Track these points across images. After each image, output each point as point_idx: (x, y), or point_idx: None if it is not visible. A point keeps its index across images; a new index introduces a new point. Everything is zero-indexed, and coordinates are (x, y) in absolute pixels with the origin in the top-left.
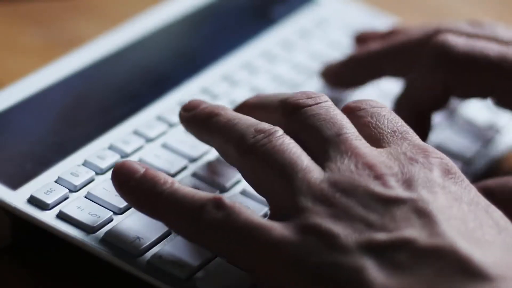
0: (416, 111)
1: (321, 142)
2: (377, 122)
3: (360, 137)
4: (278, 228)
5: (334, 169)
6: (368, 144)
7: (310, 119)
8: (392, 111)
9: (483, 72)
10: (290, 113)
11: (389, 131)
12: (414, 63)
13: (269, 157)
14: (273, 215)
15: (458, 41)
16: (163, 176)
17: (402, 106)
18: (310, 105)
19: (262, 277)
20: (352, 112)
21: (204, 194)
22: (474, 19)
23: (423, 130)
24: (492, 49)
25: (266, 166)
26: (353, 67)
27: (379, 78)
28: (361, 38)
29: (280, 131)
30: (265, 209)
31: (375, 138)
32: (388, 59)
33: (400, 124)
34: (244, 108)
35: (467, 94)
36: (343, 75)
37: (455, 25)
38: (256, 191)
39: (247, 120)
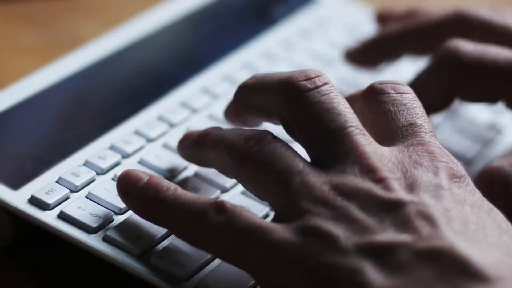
0: None
1: (324, 135)
2: (396, 113)
3: (363, 130)
4: (279, 230)
5: (336, 170)
6: (372, 140)
7: (313, 108)
8: (415, 98)
9: (491, 79)
10: (291, 99)
11: (405, 124)
12: (433, 44)
13: (263, 163)
14: (275, 217)
15: (468, 47)
16: (166, 183)
17: None
18: (311, 89)
19: (263, 278)
20: (375, 94)
21: (206, 199)
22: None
23: None
24: (503, 55)
25: (262, 173)
26: (375, 48)
27: (399, 58)
28: (382, 18)
29: (269, 135)
30: (266, 209)
31: (388, 130)
32: (408, 39)
33: (419, 116)
34: (243, 91)
35: (474, 99)
36: (365, 56)
37: (475, 11)
38: (257, 197)
39: (237, 130)
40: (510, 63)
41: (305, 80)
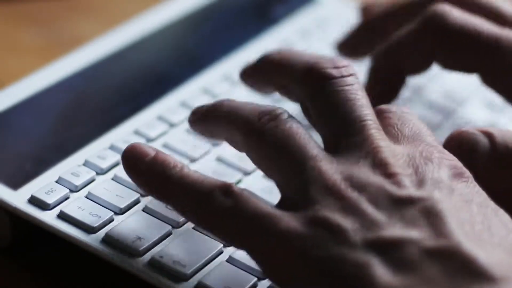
0: (395, 69)
1: (342, 123)
2: (402, 125)
3: (379, 126)
4: (286, 218)
5: (349, 160)
6: (385, 136)
7: (334, 96)
8: (419, 120)
9: (471, 50)
10: (314, 83)
11: (411, 134)
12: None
13: (277, 142)
14: (282, 201)
15: (454, 13)
16: (173, 160)
17: (381, 61)
18: (336, 77)
19: (268, 266)
20: (381, 113)
21: (213, 180)
22: None
23: (394, 90)
24: (487, 28)
25: (275, 152)
26: (363, 36)
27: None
28: (366, 11)
29: (285, 114)
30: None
31: (396, 138)
32: (394, 20)
33: (423, 131)
34: (266, 63)
35: (451, 66)
36: (356, 44)
37: None
38: (266, 175)
39: (250, 105)
40: (492, 37)
41: (332, 68)
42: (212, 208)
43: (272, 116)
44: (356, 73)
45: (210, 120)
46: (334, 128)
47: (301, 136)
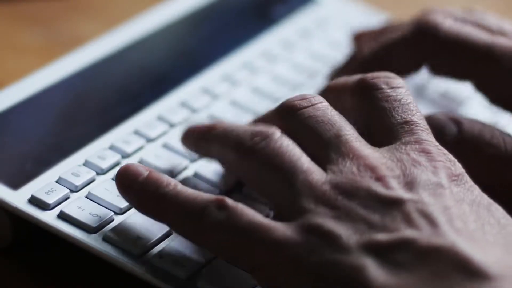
0: (382, 69)
1: (321, 144)
2: (391, 110)
3: (359, 138)
4: (280, 228)
5: (336, 171)
6: (368, 145)
7: (307, 121)
8: (408, 93)
9: (463, 59)
10: (286, 116)
11: (401, 121)
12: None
13: (269, 160)
14: (276, 217)
15: (445, 22)
16: (166, 179)
17: (370, 60)
18: (306, 107)
19: (263, 277)
20: (368, 89)
21: (207, 195)
22: (466, 6)
23: None
24: (478, 36)
25: (267, 169)
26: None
27: None
28: (357, 37)
29: (277, 133)
30: (266, 210)
31: (383, 128)
32: (375, 64)
33: (414, 112)
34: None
35: (443, 74)
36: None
37: (446, 9)
38: (259, 194)
39: (244, 126)
40: (485, 44)
41: (300, 100)
42: (207, 223)
43: (263, 135)
44: (325, 100)
45: (203, 142)
46: (316, 151)
47: (291, 153)
